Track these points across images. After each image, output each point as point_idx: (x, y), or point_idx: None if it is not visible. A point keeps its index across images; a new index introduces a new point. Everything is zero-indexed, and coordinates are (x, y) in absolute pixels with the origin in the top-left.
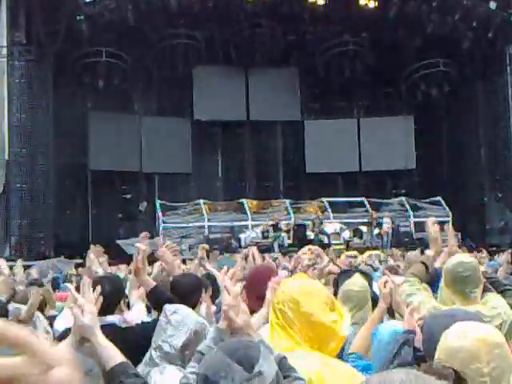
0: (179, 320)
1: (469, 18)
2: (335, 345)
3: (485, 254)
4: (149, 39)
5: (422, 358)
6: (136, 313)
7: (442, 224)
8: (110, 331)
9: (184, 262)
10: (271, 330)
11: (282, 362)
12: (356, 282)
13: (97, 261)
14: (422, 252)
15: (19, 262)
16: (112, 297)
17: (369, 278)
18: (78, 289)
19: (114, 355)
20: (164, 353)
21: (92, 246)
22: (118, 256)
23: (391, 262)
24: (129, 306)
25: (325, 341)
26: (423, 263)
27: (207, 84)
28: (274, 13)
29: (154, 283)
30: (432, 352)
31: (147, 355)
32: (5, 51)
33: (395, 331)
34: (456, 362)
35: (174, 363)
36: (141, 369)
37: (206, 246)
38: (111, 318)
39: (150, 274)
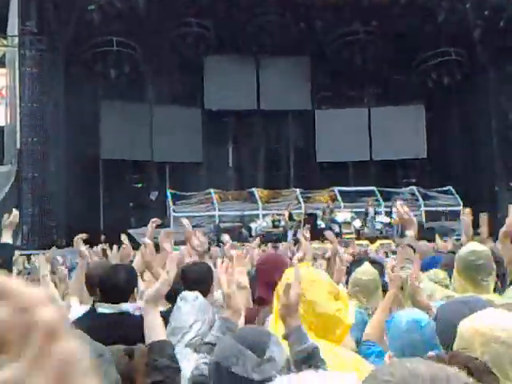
0: (201, 307)
1: (480, 7)
2: (340, 332)
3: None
4: (160, 28)
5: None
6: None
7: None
8: (124, 319)
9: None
10: (276, 318)
11: (313, 352)
12: (365, 271)
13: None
14: (430, 241)
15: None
16: (128, 285)
17: (381, 266)
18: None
19: (158, 331)
20: (190, 339)
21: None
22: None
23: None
24: None
25: (330, 329)
26: (410, 246)
27: (218, 73)
28: (285, 1)
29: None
30: (446, 340)
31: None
32: (16, 41)
33: (414, 320)
34: (457, 348)
35: (188, 346)
36: None
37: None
38: (125, 306)
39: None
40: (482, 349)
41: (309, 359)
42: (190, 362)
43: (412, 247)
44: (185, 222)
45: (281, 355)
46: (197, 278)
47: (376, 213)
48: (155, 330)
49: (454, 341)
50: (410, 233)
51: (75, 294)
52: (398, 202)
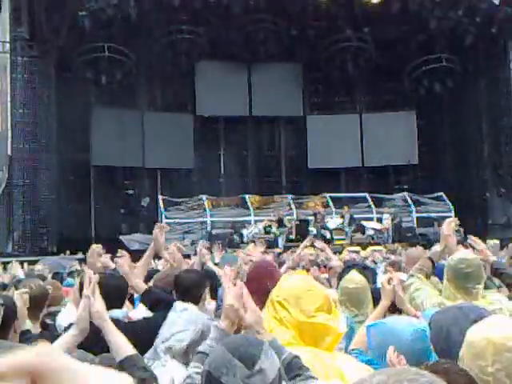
0: (189, 318)
1: (472, 14)
2: (331, 340)
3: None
4: (151, 35)
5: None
6: (141, 311)
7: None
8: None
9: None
10: (266, 323)
11: (293, 362)
12: (352, 279)
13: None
14: (425, 247)
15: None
16: (117, 293)
17: (372, 273)
18: (81, 284)
19: (124, 346)
20: (169, 347)
21: (94, 246)
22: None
23: (393, 257)
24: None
25: (321, 337)
26: (430, 259)
27: (210, 79)
28: (277, 8)
29: (145, 286)
30: (441, 346)
31: (151, 349)
32: (8, 47)
33: (415, 330)
34: (467, 357)
35: (176, 359)
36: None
37: (206, 244)
38: (115, 313)
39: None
40: (493, 358)
41: (291, 370)
42: (166, 368)
43: (432, 262)
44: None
45: (272, 367)
46: (189, 286)
47: (351, 218)
48: (122, 347)
49: (447, 347)
50: (438, 248)
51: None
52: (450, 219)
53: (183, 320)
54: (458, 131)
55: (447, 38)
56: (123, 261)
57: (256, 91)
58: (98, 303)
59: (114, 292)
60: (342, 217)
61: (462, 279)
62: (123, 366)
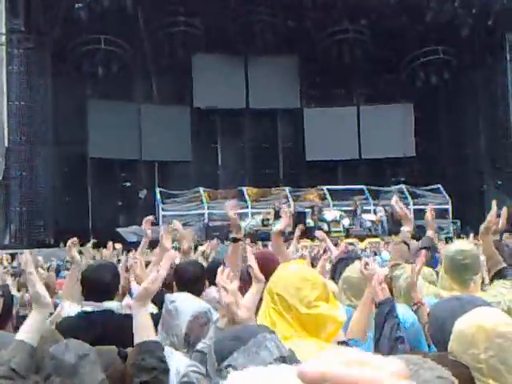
0: (178, 308)
1: (468, 5)
2: (333, 330)
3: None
4: (148, 27)
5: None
6: None
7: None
8: (107, 317)
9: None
10: (265, 315)
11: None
12: (355, 269)
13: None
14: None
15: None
16: (112, 284)
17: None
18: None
19: (148, 330)
20: (170, 341)
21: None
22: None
23: (385, 252)
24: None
25: (322, 326)
26: (405, 242)
27: (207, 72)
28: (274, 0)
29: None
30: (437, 338)
31: None
32: (3, 39)
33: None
34: (457, 347)
35: (179, 350)
36: None
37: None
38: (109, 305)
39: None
40: (485, 344)
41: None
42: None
43: (407, 244)
44: (177, 225)
45: (244, 364)
46: (190, 278)
47: (363, 211)
48: (145, 330)
49: (442, 339)
50: (406, 229)
51: (67, 299)
52: (394, 198)
53: (173, 313)
54: (455, 123)
55: (444, 30)
56: (138, 265)
57: (253, 83)
58: (157, 282)
59: (110, 283)
60: (355, 210)
61: (459, 270)
62: (139, 348)
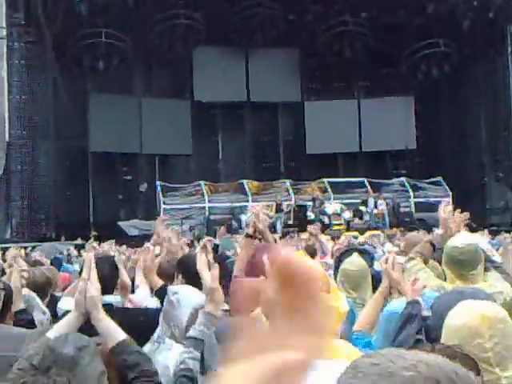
0: (180, 300)
1: None
2: (335, 320)
3: (485, 233)
4: (148, 20)
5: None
6: (142, 294)
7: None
8: (107, 311)
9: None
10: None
11: None
12: (353, 262)
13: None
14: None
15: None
16: (110, 277)
17: (370, 256)
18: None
19: (116, 332)
20: (171, 333)
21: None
22: (119, 237)
23: (388, 244)
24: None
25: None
26: (431, 243)
27: (207, 65)
28: None
29: (161, 282)
30: (438, 331)
31: (155, 334)
32: (4, 33)
33: (394, 309)
34: (459, 341)
35: (180, 342)
36: (148, 347)
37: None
38: (108, 298)
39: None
40: (490, 332)
41: None
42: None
43: (433, 245)
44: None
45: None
46: (194, 271)
47: (376, 204)
48: (113, 333)
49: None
50: (439, 231)
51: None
52: (444, 202)
53: (175, 304)
54: (455, 116)
55: (445, 22)
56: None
57: (253, 77)
58: (94, 288)
59: (108, 276)
60: (366, 201)
61: (457, 266)
62: (116, 352)
